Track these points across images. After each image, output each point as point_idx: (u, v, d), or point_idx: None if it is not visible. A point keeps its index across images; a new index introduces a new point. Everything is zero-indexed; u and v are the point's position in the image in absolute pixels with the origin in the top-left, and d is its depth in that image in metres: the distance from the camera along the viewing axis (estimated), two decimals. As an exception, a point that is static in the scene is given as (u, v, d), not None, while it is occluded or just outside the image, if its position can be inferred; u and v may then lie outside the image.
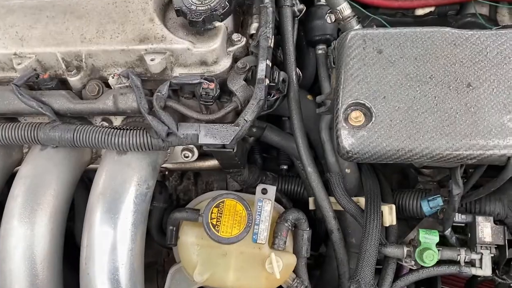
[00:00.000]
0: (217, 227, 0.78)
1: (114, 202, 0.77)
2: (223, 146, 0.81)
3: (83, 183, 1.07)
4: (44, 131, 0.81)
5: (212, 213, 0.79)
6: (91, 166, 0.95)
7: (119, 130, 0.79)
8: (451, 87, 0.70)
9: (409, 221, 1.07)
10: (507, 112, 0.67)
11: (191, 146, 0.95)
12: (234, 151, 0.83)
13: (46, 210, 0.80)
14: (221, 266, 0.82)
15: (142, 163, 0.82)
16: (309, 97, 1.02)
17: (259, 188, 0.86)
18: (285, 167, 1.15)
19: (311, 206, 1.01)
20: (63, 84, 0.87)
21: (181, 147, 0.95)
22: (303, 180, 1.04)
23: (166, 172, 1.04)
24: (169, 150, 0.92)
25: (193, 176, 1.24)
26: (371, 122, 0.71)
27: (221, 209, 0.79)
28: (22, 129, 0.82)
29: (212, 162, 1.04)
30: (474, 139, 0.67)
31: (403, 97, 0.71)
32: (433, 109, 0.69)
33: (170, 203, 1.13)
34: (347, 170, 0.98)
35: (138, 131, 0.79)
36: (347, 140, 0.71)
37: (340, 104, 0.72)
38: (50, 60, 0.85)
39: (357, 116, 0.71)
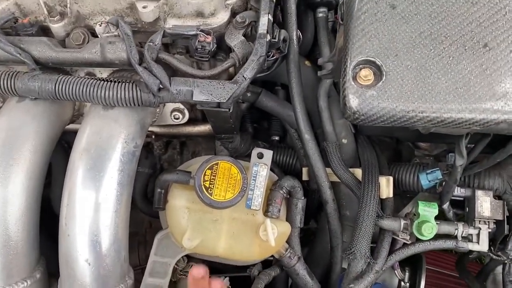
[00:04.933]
0: (210, 190, 0.73)
1: (99, 159, 0.71)
2: (218, 105, 0.76)
3: (61, 147, 1.00)
4: (22, 80, 0.74)
5: (205, 175, 0.74)
6: (71, 127, 0.88)
7: (106, 82, 0.73)
8: (466, 47, 0.66)
9: (403, 196, 1.05)
10: (524, 75, 0.64)
11: (182, 107, 0.89)
12: (230, 111, 0.77)
13: (22, 167, 0.73)
14: (212, 233, 0.77)
15: (130, 119, 0.75)
16: (307, 63, 0.97)
17: (254, 152, 0.81)
18: (276, 138, 1.11)
19: (305, 177, 0.97)
20: (44, 32, 0.80)
21: (171, 108, 0.89)
22: (297, 150, 1.00)
23: (153, 136, 0.97)
24: (158, 110, 0.86)
25: (179, 145, 1.18)
26: (381, 81, 0.66)
27: (214, 171, 0.74)
28: (-3, 78, 0.74)
29: (202, 128, 0.98)
30: (488, 103, 0.64)
31: (416, 56, 0.66)
32: (446, 70, 0.65)
33: (155, 170, 1.06)
34: (344, 141, 0.94)
35: (127, 84, 0.73)
36: (354, 100, 0.66)
37: (348, 62, 0.67)
38: (30, 4, 0.78)
39: (366, 75, 0.66)
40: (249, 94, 0.94)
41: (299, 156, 1.01)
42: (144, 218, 1.14)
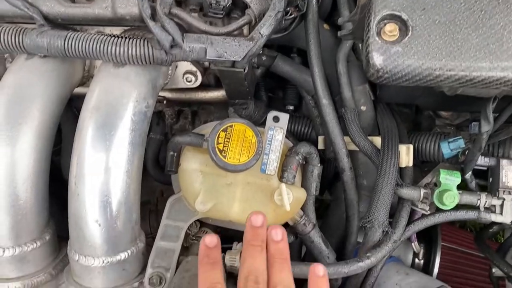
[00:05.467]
0: (224, 153, 0.70)
1: (110, 117, 0.68)
2: (233, 64, 0.73)
3: (72, 114, 0.98)
4: (31, 36, 0.71)
5: (219, 137, 0.71)
6: (81, 91, 0.85)
7: (117, 39, 0.70)
8: (500, 0, 0.61)
9: (421, 169, 1.01)
10: (563, 30, 0.60)
11: (194, 69, 0.86)
12: (245, 71, 0.74)
13: (30, 125, 0.70)
14: (226, 197, 0.74)
15: (141, 78, 0.72)
16: (326, 26, 0.93)
17: (270, 115, 0.78)
18: (291, 107, 1.07)
19: (320, 146, 0.93)
20: (53, -13, 0.77)
21: (183, 71, 0.86)
22: (313, 118, 0.97)
23: (164, 102, 0.95)
24: (170, 71, 0.83)
25: (190, 114, 1.15)
26: (407, 37, 0.62)
27: (229, 133, 0.71)
28: (4, 34, 0.71)
29: (215, 93, 0.95)
30: (522, 60, 0.60)
31: (445, 9, 0.62)
32: (478, 25, 0.61)
33: (166, 138, 1.04)
34: (363, 108, 0.91)
35: (139, 40, 0.70)
36: (378, 57, 0.62)
37: (372, 16, 0.63)
38: (38, -43, 0.74)
39: (391, 30, 0.62)
40: (264, 58, 0.90)
41: (315, 125, 0.97)
42: (156, 187, 1.12)
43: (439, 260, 1.25)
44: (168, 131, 1.13)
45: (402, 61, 0.62)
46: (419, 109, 1.06)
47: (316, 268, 0.60)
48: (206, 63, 0.88)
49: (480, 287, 1.25)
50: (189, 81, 0.86)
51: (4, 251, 0.71)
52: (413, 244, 1.01)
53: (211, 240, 0.61)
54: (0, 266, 0.72)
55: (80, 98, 0.81)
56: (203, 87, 0.94)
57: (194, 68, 0.85)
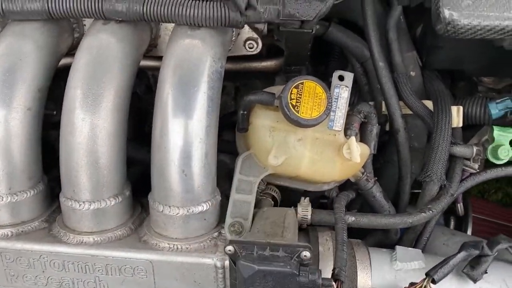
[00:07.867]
0: (297, 108, 0.74)
1: (192, 74, 0.72)
2: (301, 25, 0.77)
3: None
4: (110, 2, 0.75)
5: (291, 93, 0.75)
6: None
7: (194, 1, 0.74)
8: None
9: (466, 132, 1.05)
10: None
11: (256, 36, 0.90)
12: (313, 32, 0.78)
13: (113, 84, 0.74)
14: (296, 152, 0.78)
15: (215, 40, 0.76)
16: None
17: (335, 74, 0.82)
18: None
19: (372, 111, 0.97)
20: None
21: (244, 38, 0.90)
22: (361, 86, 1.01)
23: (220, 72, 0.99)
24: (233, 38, 0.87)
25: (233, 90, 1.20)
26: (476, -9, 0.67)
27: (300, 90, 0.75)
28: (84, 0, 0.75)
29: (269, 63, 1.00)
30: None
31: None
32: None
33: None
34: (412, 73, 0.96)
35: (215, 2, 0.74)
36: (448, 10, 0.67)
37: (442, -28, 0.68)
38: None
39: (460, -15, 0.67)
40: (317, 27, 0.95)
41: (363, 93, 1.02)
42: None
43: (470, 231, 1.29)
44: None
45: (473, 14, 0.66)
46: (454, 81, 1.10)
47: None
48: (265, 31, 0.92)
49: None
50: (251, 48, 0.90)
51: (90, 204, 0.74)
52: (458, 205, 1.05)
53: None
54: (84, 220, 0.76)
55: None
56: (256, 57, 0.98)
57: (255, 35, 0.89)
